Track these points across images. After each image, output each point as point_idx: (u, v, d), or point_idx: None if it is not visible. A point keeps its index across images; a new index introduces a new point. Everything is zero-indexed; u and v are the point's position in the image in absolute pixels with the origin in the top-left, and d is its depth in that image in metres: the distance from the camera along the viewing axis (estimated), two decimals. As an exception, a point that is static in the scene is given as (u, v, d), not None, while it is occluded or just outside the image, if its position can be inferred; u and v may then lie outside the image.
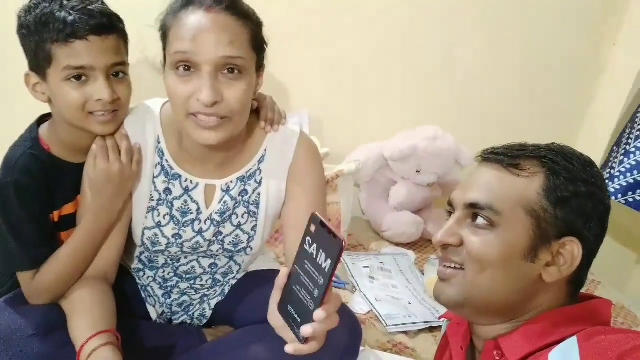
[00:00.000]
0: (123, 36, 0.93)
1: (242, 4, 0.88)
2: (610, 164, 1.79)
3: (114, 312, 0.94)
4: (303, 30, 1.68)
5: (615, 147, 1.80)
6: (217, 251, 1.05)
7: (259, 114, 1.02)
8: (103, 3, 0.92)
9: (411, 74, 1.86)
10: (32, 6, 0.88)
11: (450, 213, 0.75)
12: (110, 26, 0.90)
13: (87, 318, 0.90)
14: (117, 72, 0.91)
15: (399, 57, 1.82)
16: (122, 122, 0.96)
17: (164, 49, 0.88)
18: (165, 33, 0.87)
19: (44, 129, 0.96)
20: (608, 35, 1.90)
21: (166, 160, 0.97)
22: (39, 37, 0.86)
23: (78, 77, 0.88)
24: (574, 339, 0.60)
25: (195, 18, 0.82)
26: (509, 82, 1.93)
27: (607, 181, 1.76)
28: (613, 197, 1.73)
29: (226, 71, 0.83)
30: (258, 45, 0.88)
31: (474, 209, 0.70)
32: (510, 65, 1.91)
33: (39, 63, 0.88)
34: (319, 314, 0.62)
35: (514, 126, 1.93)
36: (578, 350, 0.58)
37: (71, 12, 0.86)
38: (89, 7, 0.88)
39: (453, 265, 0.71)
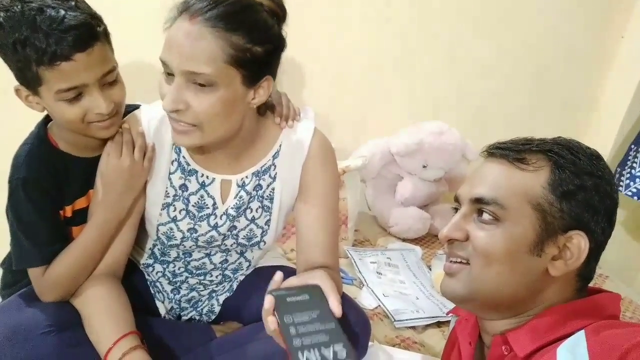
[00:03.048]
0: (106, 38, 0.89)
1: (244, 15, 0.83)
2: (630, 163, 1.77)
3: (131, 311, 0.96)
4: (309, 28, 1.68)
5: (633, 146, 1.78)
6: (231, 245, 1.06)
7: (274, 110, 1.03)
8: (76, 4, 0.85)
9: (416, 70, 1.86)
10: (3, 24, 0.82)
11: (456, 209, 0.75)
12: (92, 36, 0.85)
13: (109, 319, 0.91)
14: (109, 78, 0.90)
15: (404, 53, 1.82)
16: (140, 119, 0.97)
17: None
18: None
19: (51, 126, 0.97)
20: (616, 28, 1.88)
21: (183, 157, 0.99)
22: (21, 58, 0.82)
23: (73, 95, 0.86)
24: (582, 333, 0.60)
25: (176, 27, 0.82)
26: (514, 77, 1.93)
27: (628, 181, 1.74)
28: (635, 197, 1.71)
29: (194, 82, 0.82)
30: (246, 61, 0.83)
31: (479, 204, 0.70)
32: (516, 59, 1.91)
33: (28, 81, 0.86)
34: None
35: (520, 121, 1.92)
36: (586, 344, 0.58)
37: (49, 33, 0.80)
38: (64, 20, 0.81)
39: (459, 260, 0.71)
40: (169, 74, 0.83)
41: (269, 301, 0.73)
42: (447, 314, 1.24)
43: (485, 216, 0.69)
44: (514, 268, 0.68)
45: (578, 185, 0.67)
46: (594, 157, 0.70)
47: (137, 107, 1.01)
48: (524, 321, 0.69)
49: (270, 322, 0.72)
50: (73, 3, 0.84)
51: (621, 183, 1.76)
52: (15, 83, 0.88)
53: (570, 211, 0.67)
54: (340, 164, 1.69)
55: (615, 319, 0.68)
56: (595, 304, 0.68)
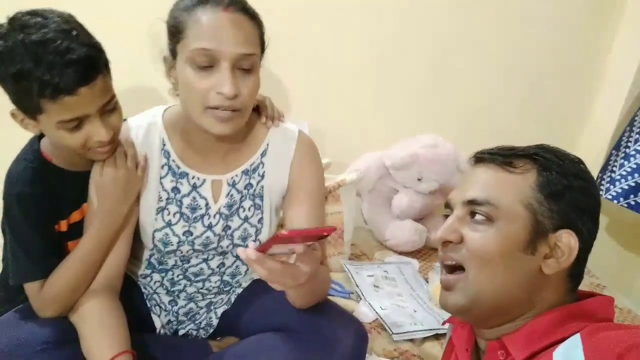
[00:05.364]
0: (107, 68, 0.90)
1: (249, 5, 0.93)
2: (610, 167, 1.80)
3: (127, 327, 0.95)
4: (302, 42, 1.70)
5: (614, 151, 1.81)
6: (227, 247, 1.07)
7: (259, 111, 1.08)
8: (78, 34, 0.83)
9: (409, 83, 1.88)
10: (2, 52, 0.80)
11: (446, 216, 0.76)
12: (95, 68, 0.85)
13: (103, 337, 0.91)
14: (109, 107, 0.90)
15: (397, 66, 1.84)
16: (129, 129, 1.01)
17: (174, 44, 0.91)
18: (177, 29, 0.89)
19: (44, 142, 0.97)
20: (604, 42, 1.92)
21: (173, 161, 1.02)
22: (21, 89, 0.81)
23: (75, 125, 0.86)
24: (578, 336, 0.61)
25: (214, 16, 0.87)
26: (506, 90, 1.95)
27: (608, 184, 1.77)
28: (615, 201, 1.74)
29: (241, 67, 0.89)
30: (263, 44, 0.95)
31: (472, 205, 0.71)
32: (507, 73, 1.93)
33: (27, 109, 0.85)
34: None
35: (512, 134, 1.92)
36: (582, 346, 0.59)
37: (51, 66, 0.79)
38: (68, 54, 0.80)
39: (453, 262, 0.72)
40: (205, 67, 0.87)
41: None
42: (443, 323, 1.24)
43: (479, 217, 0.71)
44: (509, 267, 0.69)
45: (565, 186, 0.69)
46: (577, 161, 0.73)
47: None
48: (520, 325, 0.70)
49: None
50: (75, 33, 0.83)
51: (602, 187, 1.79)
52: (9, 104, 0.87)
53: (559, 210, 0.69)
54: (336, 178, 1.70)
55: (609, 322, 0.68)
56: (590, 307, 0.69)
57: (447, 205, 0.77)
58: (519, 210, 0.69)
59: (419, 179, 1.81)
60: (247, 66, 0.89)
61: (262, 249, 0.75)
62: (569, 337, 0.62)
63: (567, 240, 0.68)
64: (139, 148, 1.00)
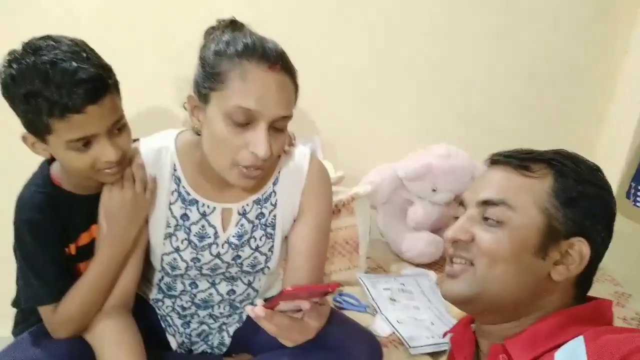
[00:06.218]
0: (116, 88, 0.91)
1: (290, 60, 0.91)
2: None
3: (142, 344, 0.96)
4: (309, 56, 1.71)
5: None
6: (235, 273, 1.07)
7: None
8: (88, 56, 0.86)
9: (420, 93, 1.86)
10: (14, 75, 0.82)
11: (456, 218, 0.76)
12: (103, 88, 0.86)
13: (121, 354, 0.92)
14: (117, 126, 0.91)
15: (407, 77, 1.83)
16: (139, 151, 1.00)
17: (209, 89, 0.87)
18: (217, 77, 0.86)
19: (54, 167, 0.99)
20: (619, 43, 1.88)
21: (183, 187, 1.01)
22: (31, 109, 0.83)
23: (83, 144, 0.87)
24: (581, 338, 0.61)
25: (260, 76, 0.85)
26: (518, 95, 1.92)
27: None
28: None
29: (276, 127, 0.89)
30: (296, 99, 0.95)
31: (486, 206, 0.71)
32: (522, 82, 1.90)
33: (36, 130, 0.87)
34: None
35: (526, 138, 1.90)
36: (585, 350, 0.58)
37: (61, 85, 0.81)
38: (77, 74, 0.82)
39: (463, 261, 0.72)
40: (244, 124, 0.86)
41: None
42: (444, 335, 1.22)
43: (492, 218, 0.70)
44: (519, 269, 0.68)
45: (581, 193, 0.68)
46: (594, 168, 0.72)
47: (135, 140, 1.03)
48: (522, 328, 0.69)
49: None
50: (85, 55, 0.86)
51: (637, 198, 1.74)
52: (21, 129, 0.89)
53: (574, 217, 0.68)
54: (350, 190, 1.70)
55: (609, 325, 0.68)
56: (592, 310, 0.69)
57: (461, 203, 0.77)
58: (534, 213, 0.68)
59: (433, 190, 1.79)
60: (281, 127, 0.90)
61: (270, 306, 0.75)
62: (569, 340, 0.62)
63: (579, 248, 0.68)
64: (148, 170, 0.98)
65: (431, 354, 1.36)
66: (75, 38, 0.89)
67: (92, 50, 0.89)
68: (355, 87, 1.80)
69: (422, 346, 1.36)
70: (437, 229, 1.88)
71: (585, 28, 1.86)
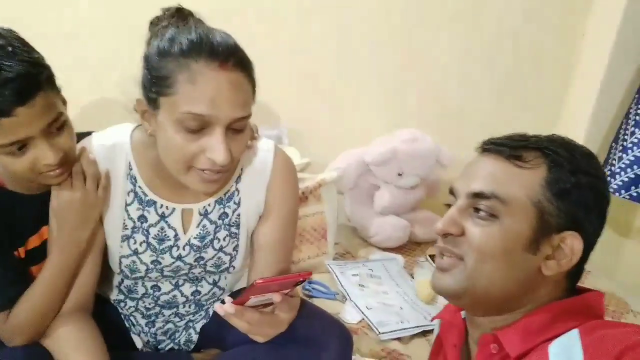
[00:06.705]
0: (50, 84, 0.82)
1: (244, 53, 0.84)
2: (610, 160, 1.80)
3: (104, 346, 0.92)
4: (274, 43, 1.67)
5: (613, 144, 1.82)
6: (199, 273, 1.03)
7: None
8: (14, 51, 0.76)
9: (386, 78, 1.86)
10: None
11: (448, 206, 0.73)
12: (33, 86, 0.77)
13: (81, 358, 0.87)
14: (55, 126, 0.83)
15: (373, 62, 1.82)
16: (90, 146, 0.92)
17: (156, 94, 0.80)
18: (163, 80, 0.79)
19: None
20: (577, 27, 1.92)
21: (139, 187, 0.94)
22: None
23: (18, 148, 0.80)
24: (575, 332, 0.60)
25: (210, 76, 0.77)
26: (483, 81, 1.95)
27: (609, 178, 1.78)
28: (617, 194, 1.75)
29: (234, 128, 0.82)
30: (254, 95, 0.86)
31: (478, 199, 0.69)
32: (484, 64, 1.92)
33: None
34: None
35: (491, 123, 1.93)
36: (580, 344, 0.58)
37: None
38: (1, 73, 0.73)
39: (453, 257, 0.70)
40: (197, 130, 0.79)
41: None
42: (432, 319, 1.23)
43: (483, 212, 0.68)
44: (509, 265, 0.67)
45: (574, 183, 0.66)
46: (588, 155, 0.70)
47: (88, 133, 0.95)
48: (514, 320, 0.68)
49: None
50: (10, 49, 0.76)
51: None
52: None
53: (567, 210, 0.66)
54: (316, 177, 1.68)
55: (600, 318, 0.68)
56: (583, 303, 0.68)
57: (452, 192, 0.74)
58: (526, 207, 0.66)
59: (399, 174, 1.80)
60: (240, 127, 0.82)
61: (240, 301, 0.73)
62: (562, 333, 0.61)
63: (571, 243, 0.66)
64: (101, 167, 0.91)
65: (400, 339, 1.38)
66: (2, 27, 0.80)
67: (21, 41, 0.80)
68: (320, 74, 1.78)
69: (391, 332, 1.37)
70: (403, 213, 1.89)
71: (543, 14, 1.89)
